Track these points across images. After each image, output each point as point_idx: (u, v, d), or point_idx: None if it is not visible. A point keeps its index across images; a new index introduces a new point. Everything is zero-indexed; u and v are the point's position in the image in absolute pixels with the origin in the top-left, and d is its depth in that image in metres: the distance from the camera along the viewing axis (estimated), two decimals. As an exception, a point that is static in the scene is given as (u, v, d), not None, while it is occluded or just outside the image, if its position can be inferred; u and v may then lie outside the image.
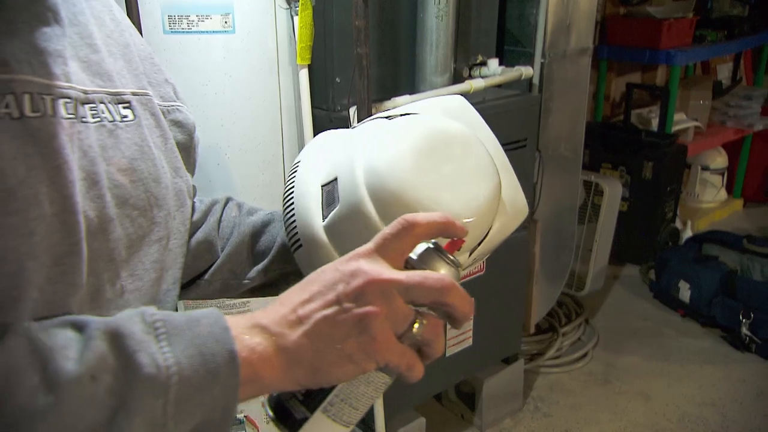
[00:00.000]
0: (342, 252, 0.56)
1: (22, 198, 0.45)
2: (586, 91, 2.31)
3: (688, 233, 3.25)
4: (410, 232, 0.49)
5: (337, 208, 0.58)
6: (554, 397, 2.35)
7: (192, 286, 0.73)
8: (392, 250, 0.48)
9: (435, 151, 0.59)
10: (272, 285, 0.71)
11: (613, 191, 2.78)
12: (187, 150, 0.68)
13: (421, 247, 0.50)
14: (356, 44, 1.46)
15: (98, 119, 0.54)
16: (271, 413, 0.50)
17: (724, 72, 3.90)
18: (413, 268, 0.48)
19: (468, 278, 1.91)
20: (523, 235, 2.08)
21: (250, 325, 0.46)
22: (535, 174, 2.10)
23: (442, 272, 0.49)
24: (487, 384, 2.14)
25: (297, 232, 0.63)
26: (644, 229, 3.10)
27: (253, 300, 0.67)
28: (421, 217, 0.49)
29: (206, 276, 0.72)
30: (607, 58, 3.26)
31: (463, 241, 0.51)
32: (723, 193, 3.77)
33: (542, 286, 2.37)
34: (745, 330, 2.56)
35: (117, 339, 0.42)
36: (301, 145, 1.49)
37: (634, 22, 3.14)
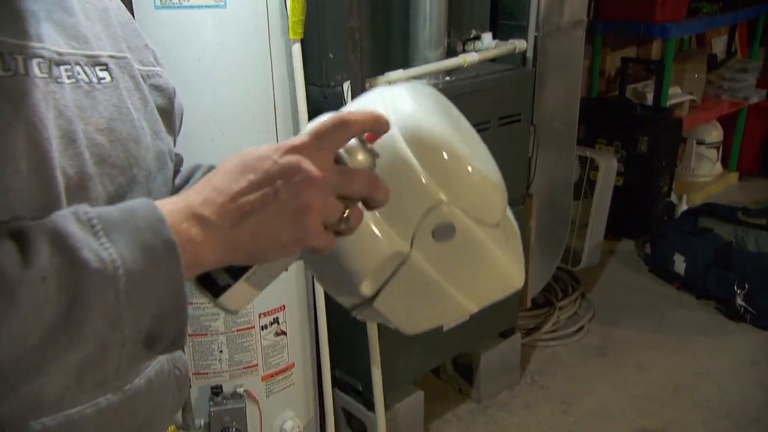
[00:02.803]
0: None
1: None
2: (581, 65, 2.30)
3: (683, 207, 3.26)
4: (343, 130, 0.51)
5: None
6: (551, 370, 2.37)
7: None
8: (325, 146, 0.50)
9: (448, 110, 0.59)
10: None
11: (608, 166, 2.79)
12: (168, 114, 0.68)
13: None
14: (349, 18, 1.45)
15: (74, 80, 0.54)
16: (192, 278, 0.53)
17: (719, 45, 3.88)
18: (341, 161, 0.52)
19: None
20: (519, 209, 2.08)
21: (189, 214, 0.47)
22: (530, 148, 2.10)
23: (361, 159, 0.52)
24: (484, 358, 2.16)
25: None
26: (640, 203, 3.11)
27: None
28: (355, 116, 0.52)
29: None
30: (602, 32, 3.25)
31: (379, 135, 0.54)
32: (718, 167, 3.77)
33: (538, 260, 2.38)
34: (739, 301, 2.58)
35: (58, 240, 0.43)
36: (294, 121, 1.48)
37: (629, -5, 3.12)
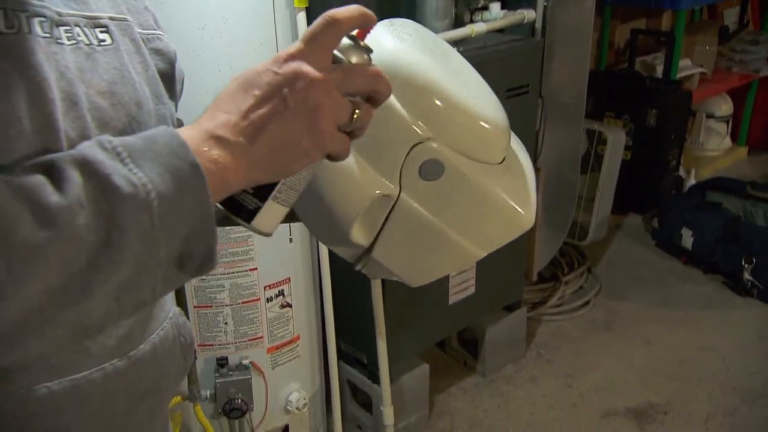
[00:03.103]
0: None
1: (1, 114, 0.45)
2: (590, 36, 2.26)
3: (691, 181, 3.23)
4: (334, 28, 0.51)
5: None
6: (556, 344, 2.37)
7: None
8: (320, 48, 0.50)
9: (434, 45, 0.57)
10: None
11: (616, 140, 2.76)
12: (170, 79, 0.67)
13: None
14: (354, -14, 1.42)
15: (74, 41, 0.53)
16: (221, 207, 0.53)
17: (731, 16, 3.81)
18: (338, 61, 0.52)
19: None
20: (526, 182, 2.06)
21: (207, 137, 0.48)
22: (538, 121, 2.07)
23: (356, 56, 0.52)
24: (489, 331, 2.16)
25: None
26: (647, 177, 3.08)
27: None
28: (342, 12, 0.51)
29: None
30: (612, 3, 3.19)
31: (369, 30, 0.54)
32: (727, 141, 3.73)
33: (544, 235, 2.37)
34: (747, 275, 2.57)
35: (88, 167, 0.43)
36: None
37: (640, -35, 3.06)
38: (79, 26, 0.54)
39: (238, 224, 0.53)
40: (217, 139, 0.48)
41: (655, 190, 3.08)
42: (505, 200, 0.60)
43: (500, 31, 1.86)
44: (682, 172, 3.27)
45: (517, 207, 0.60)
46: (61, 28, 0.52)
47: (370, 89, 0.52)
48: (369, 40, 0.58)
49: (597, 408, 2.09)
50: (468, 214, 0.59)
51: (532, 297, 2.52)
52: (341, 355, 1.86)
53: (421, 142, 0.56)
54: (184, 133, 0.48)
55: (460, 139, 0.56)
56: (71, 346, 0.49)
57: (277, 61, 0.49)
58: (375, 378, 1.82)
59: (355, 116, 0.51)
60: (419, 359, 1.99)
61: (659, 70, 3.15)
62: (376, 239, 0.59)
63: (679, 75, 3.13)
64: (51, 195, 0.41)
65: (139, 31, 0.62)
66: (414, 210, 0.58)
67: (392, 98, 0.56)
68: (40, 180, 0.42)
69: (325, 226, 0.62)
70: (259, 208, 0.52)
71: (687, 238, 2.75)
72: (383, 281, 1.63)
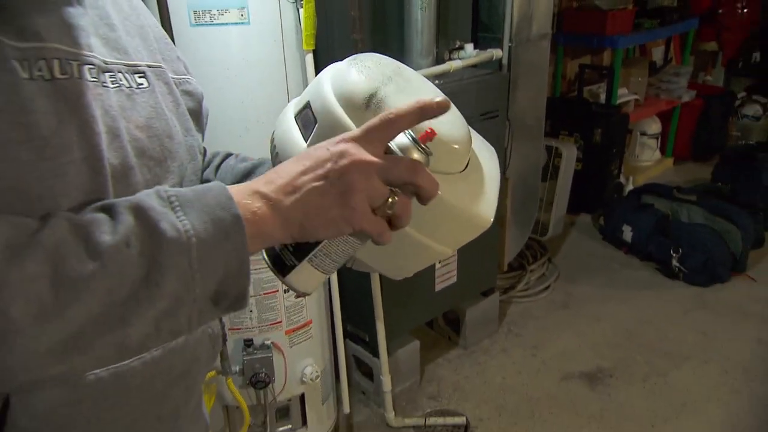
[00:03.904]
0: None
1: (55, 145, 0.43)
2: (547, 71, 2.21)
3: (630, 187, 3.18)
4: (391, 126, 0.46)
5: (316, 126, 0.50)
6: (524, 322, 2.31)
7: None
8: (374, 139, 0.46)
9: (399, 72, 0.51)
10: None
11: (569, 154, 2.72)
12: (197, 116, 0.64)
13: (400, 137, 0.47)
14: (352, 31, 1.37)
15: (117, 85, 0.51)
16: (267, 259, 0.50)
17: (658, 54, 3.77)
18: (391, 153, 0.47)
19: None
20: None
21: (252, 192, 0.45)
22: (506, 140, 2.02)
23: (414, 156, 0.46)
24: (469, 312, 2.10)
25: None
26: (595, 184, 3.04)
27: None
28: (400, 110, 0.47)
29: None
30: (563, 44, 3.15)
31: (435, 133, 0.47)
32: (657, 154, 3.68)
33: (513, 232, 2.32)
34: (675, 262, 2.52)
35: (141, 212, 0.42)
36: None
37: (585, 13, 3.02)
38: (121, 72, 0.52)
39: (276, 276, 0.49)
40: (260, 195, 0.45)
41: (601, 194, 3.04)
42: (463, 206, 0.54)
43: (474, 66, 1.81)
44: (622, 179, 3.22)
45: (474, 211, 0.54)
46: (107, 74, 0.50)
47: (411, 182, 0.46)
48: (334, 74, 0.52)
49: (556, 373, 2.03)
50: (432, 219, 0.53)
51: (504, 283, 2.46)
52: (347, 334, 1.81)
53: None
54: (234, 188, 0.45)
55: None
56: (116, 362, 0.46)
57: (333, 141, 0.46)
58: (375, 352, 1.76)
59: (388, 203, 0.45)
60: (411, 336, 1.94)
61: (602, 97, 3.11)
62: None
63: (619, 101, 3.09)
64: (103, 233, 0.39)
65: (172, 76, 0.60)
66: None
67: (348, 121, 0.50)
68: (97, 219, 0.41)
69: None
70: (295, 266, 0.48)
71: (627, 233, 2.70)
72: (380, 274, 1.57)
